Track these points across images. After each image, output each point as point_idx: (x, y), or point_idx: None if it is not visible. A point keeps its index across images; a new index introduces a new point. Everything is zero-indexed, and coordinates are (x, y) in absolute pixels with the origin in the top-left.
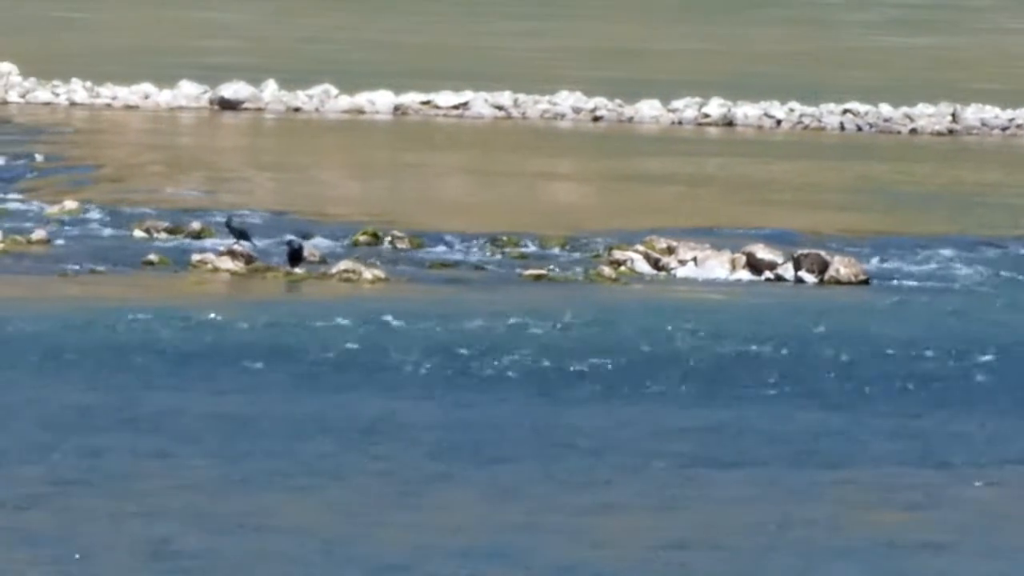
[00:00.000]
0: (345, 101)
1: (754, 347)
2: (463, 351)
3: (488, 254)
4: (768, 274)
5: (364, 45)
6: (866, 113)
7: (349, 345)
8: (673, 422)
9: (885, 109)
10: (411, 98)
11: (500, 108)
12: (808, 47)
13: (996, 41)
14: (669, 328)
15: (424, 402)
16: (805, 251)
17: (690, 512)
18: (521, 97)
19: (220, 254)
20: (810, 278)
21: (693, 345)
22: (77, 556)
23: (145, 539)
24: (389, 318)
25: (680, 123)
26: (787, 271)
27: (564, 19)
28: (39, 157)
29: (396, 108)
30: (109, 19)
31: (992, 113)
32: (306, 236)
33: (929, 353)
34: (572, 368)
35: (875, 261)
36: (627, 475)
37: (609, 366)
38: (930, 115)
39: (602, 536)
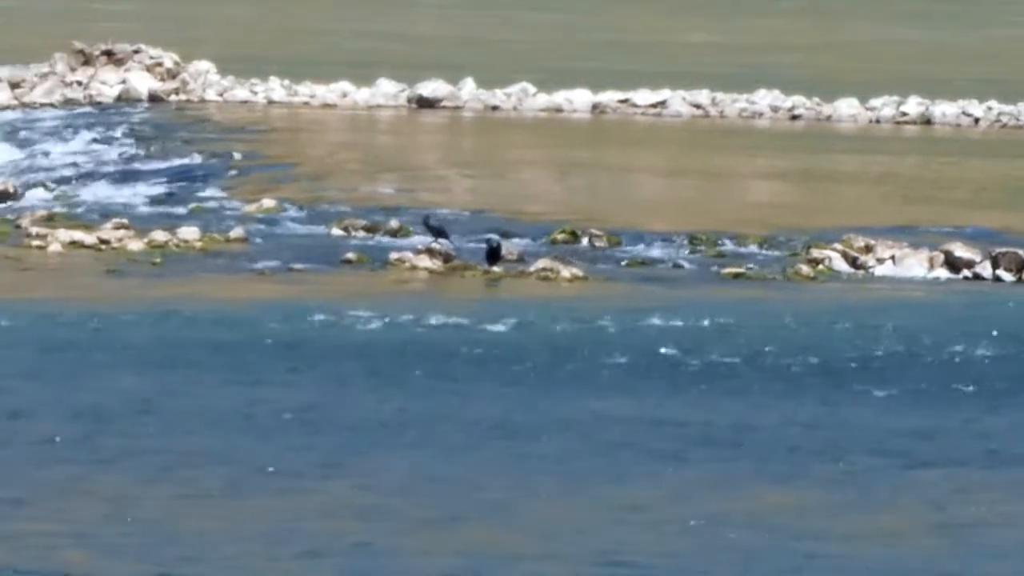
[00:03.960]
0: (543, 99)
1: (964, 346)
2: (668, 349)
3: (686, 252)
4: (966, 272)
5: (562, 43)
6: None
7: (556, 344)
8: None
9: None
10: (609, 96)
11: (698, 107)
12: (1008, 44)
13: None
14: (874, 327)
15: (638, 400)
16: (1003, 249)
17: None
18: (719, 96)
19: (418, 252)
20: (1008, 276)
21: (899, 344)
22: None
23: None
24: (592, 317)
25: (878, 121)
26: (985, 269)
27: (759, 15)
28: (237, 155)
29: (594, 106)
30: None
31: None
32: (504, 235)
33: None
34: (778, 367)
35: None
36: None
37: (815, 362)
38: None
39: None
